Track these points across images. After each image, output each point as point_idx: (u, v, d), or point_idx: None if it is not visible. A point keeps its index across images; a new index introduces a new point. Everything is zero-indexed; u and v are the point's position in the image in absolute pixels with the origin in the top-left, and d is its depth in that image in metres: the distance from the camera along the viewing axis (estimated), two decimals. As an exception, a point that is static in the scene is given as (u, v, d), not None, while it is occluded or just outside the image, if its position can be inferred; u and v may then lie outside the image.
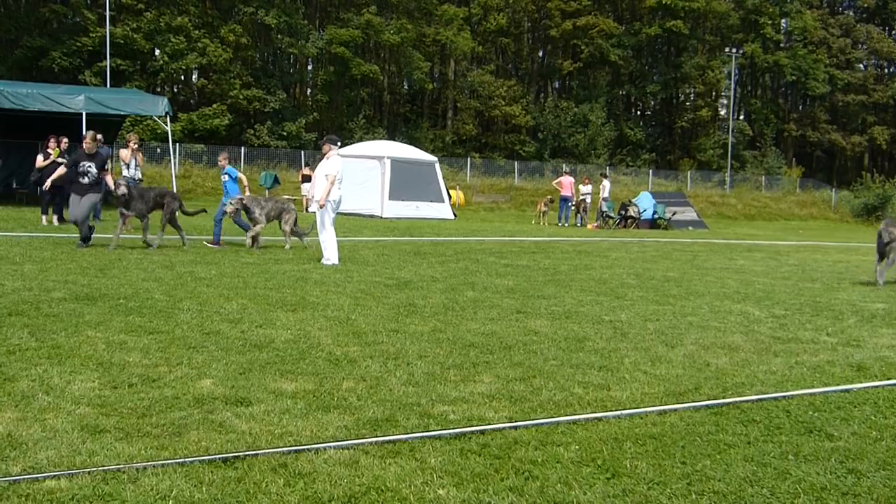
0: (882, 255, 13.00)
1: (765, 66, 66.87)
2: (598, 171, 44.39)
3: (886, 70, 74.06)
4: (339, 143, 14.50)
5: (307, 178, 35.34)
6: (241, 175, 15.96)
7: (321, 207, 13.61)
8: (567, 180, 33.74)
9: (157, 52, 47.96)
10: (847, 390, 5.91)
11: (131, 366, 5.90)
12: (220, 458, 4.07)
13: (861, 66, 71.54)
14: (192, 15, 48.83)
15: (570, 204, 33.49)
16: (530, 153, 57.61)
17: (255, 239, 14.91)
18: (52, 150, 20.59)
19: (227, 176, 15.65)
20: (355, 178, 31.14)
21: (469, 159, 50.73)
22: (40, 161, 20.54)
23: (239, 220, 15.57)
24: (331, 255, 13.45)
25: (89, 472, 3.83)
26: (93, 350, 6.34)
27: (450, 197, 33.59)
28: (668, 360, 6.78)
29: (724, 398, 5.57)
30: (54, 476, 3.78)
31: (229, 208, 14.83)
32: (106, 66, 42.67)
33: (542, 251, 17.80)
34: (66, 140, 21.48)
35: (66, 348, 6.36)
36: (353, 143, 39.18)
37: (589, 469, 4.12)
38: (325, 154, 14.02)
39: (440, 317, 8.48)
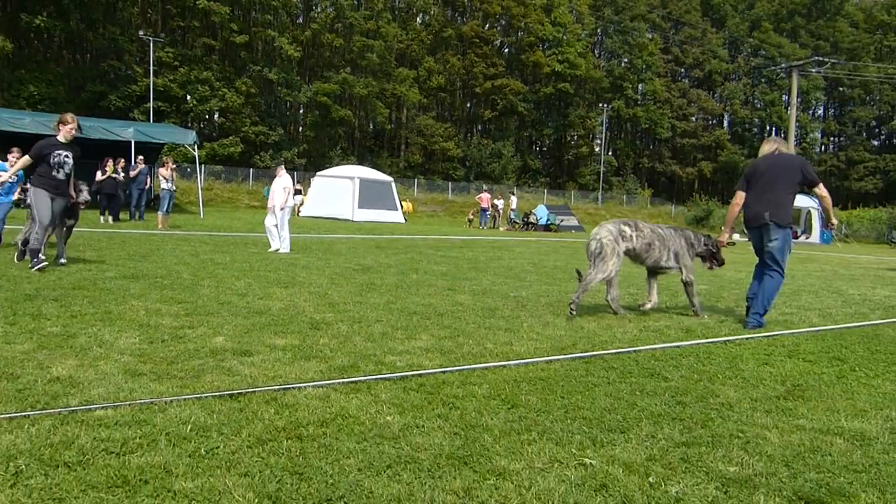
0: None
1: (627, 117, 67.89)
2: (508, 189, 44.58)
3: (710, 122, 75.56)
4: (283, 166, 14.04)
5: (298, 192, 35.05)
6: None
7: (282, 210, 13.32)
8: (486, 196, 33.91)
9: (189, 97, 47.17)
10: (678, 346, 6.00)
11: (164, 327, 5.78)
12: (227, 394, 4.01)
13: (693, 118, 72.95)
14: (214, 70, 48.17)
15: (487, 213, 33.60)
16: (460, 176, 57.72)
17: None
18: (109, 168, 20.19)
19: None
20: (333, 192, 31.01)
21: (416, 180, 50.78)
22: (99, 176, 20.11)
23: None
24: (287, 245, 13.27)
25: (129, 405, 3.75)
26: (135, 315, 6.20)
27: (402, 207, 33.52)
28: (555, 324, 6.83)
29: (592, 351, 5.62)
30: (103, 407, 3.69)
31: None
32: (150, 107, 41.94)
33: (468, 246, 17.84)
34: (122, 160, 21.09)
35: (115, 313, 6.21)
36: (332, 166, 38.91)
37: (496, 402, 4.13)
38: (278, 174, 13.67)
39: (392, 292, 8.45)
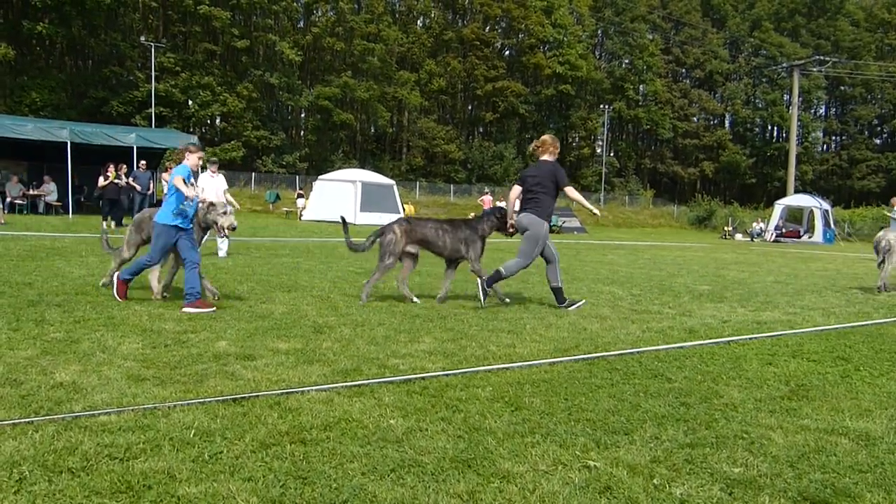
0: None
1: (628, 118, 67.82)
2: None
3: (712, 122, 75.49)
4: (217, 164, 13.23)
5: (301, 195, 35.07)
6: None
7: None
8: (487, 199, 33.88)
9: (190, 102, 47.28)
10: (681, 347, 5.99)
11: (167, 331, 5.78)
12: (230, 399, 4.00)
13: (695, 119, 72.87)
14: (216, 76, 48.25)
15: (490, 215, 33.61)
16: (462, 179, 57.69)
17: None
18: (111, 173, 20.20)
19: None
20: (336, 195, 31.03)
21: (418, 183, 50.75)
22: (101, 182, 20.14)
23: None
24: (224, 250, 12.43)
25: (132, 410, 3.75)
26: (138, 320, 6.21)
27: (404, 210, 33.51)
28: (557, 326, 6.82)
29: (595, 353, 5.62)
30: (106, 413, 3.69)
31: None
32: (151, 113, 42.04)
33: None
34: (124, 166, 21.11)
35: (119, 318, 6.21)
36: (334, 170, 38.94)
37: (499, 404, 4.13)
38: (211, 173, 12.63)
39: (395, 295, 8.44)
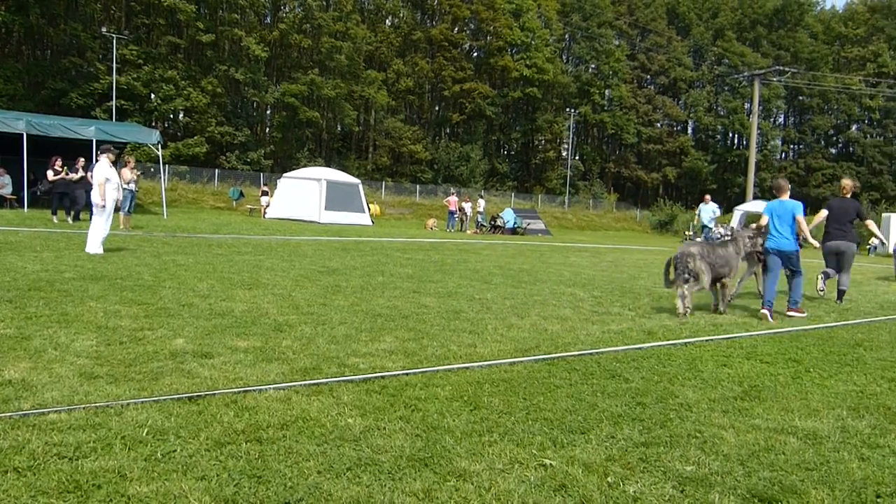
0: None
1: (593, 122, 68.42)
2: (476, 193, 44.70)
3: (675, 128, 76.51)
4: (110, 152, 12.20)
5: (265, 193, 34.73)
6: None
7: (103, 206, 11.63)
8: (453, 199, 33.92)
9: (153, 96, 46.42)
10: (640, 348, 6.07)
11: (122, 329, 5.68)
12: (186, 397, 3.95)
13: (658, 124, 73.79)
14: (179, 69, 47.47)
15: (455, 216, 33.65)
16: (428, 179, 57.63)
17: None
18: (61, 167, 19.75)
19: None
20: (301, 193, 30.81)
21: (384, 182, 50.62)
22: (51, 176, 19.68)
23: None
24: (94, 245, 11.43)
25: (84, 408, 3.68)
26: (93, 317, 6.09)
27: (369, 209, 33.41)
28: (519, 326, 6.86)
29: (555, 353, 5.66)
30: (56, 411, 3.61)
31: None
32: (112, 106, 41.22)
33: (434, 249, 17.84)
34: (82, 159, 20.65)
35: (73, 315, 6.09)
36: (300, 168, 38.65)
37: (458, 403, 4.14)
38: (101, 160, 11.89)
39: (357, 294, 8.41)
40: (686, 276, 8.11)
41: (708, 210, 21.68)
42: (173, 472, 2.96)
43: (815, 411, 4.36)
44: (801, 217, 8.56)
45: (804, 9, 75.48)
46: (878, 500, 3.07)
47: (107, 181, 11.75)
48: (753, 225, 9.32)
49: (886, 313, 9.55)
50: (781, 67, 59.14)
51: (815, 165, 71.96)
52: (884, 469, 3.41)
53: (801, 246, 9.02)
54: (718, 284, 8.61)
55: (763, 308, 8.35)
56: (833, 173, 70.86)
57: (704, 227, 21.77)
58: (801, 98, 74.39)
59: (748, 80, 58.84)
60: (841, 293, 10.56)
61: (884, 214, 24.75)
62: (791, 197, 8.78)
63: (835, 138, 77.03)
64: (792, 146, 79.07)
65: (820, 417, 4.23)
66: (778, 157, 76.19)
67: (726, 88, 73.80)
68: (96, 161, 14.93)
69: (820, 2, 77.79)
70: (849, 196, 10.57)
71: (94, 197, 11.73)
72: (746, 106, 69.41)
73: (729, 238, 9.06)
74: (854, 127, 74.88)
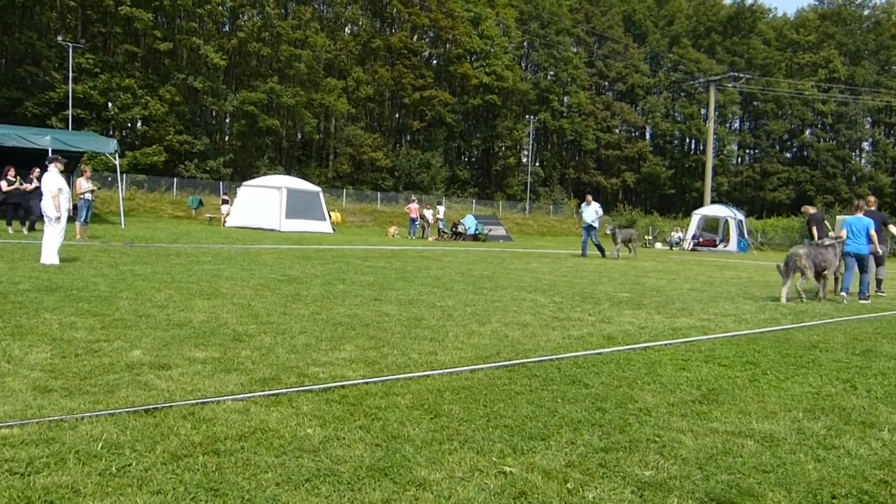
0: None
1: (553, 129, 69.09)
2: (437, 200, 44.76)
3: (633, 134, 77.60)
4: (57, 161, 11.92)
5: (225, 201, 34.33)
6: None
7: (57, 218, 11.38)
8: (414, 206, 33.92)
9: (110, 104, 45.67)
10: (600, 353, 6.12)
11: (78, 341, 5.56)
12: (142, 409, 3.88)
13: (617, 130, 74.78)
14: (137, 78, 46.79)
15: (416, 223, 33.65)
16: (389, 186, 57.55)
17: None
18: (14, 178, 19.31)
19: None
20: (261, 202, 30.54)
21: (345, 190, 50.39)
22: (4, 186, 19.21)
23: None
24: (49, 255, 11.21)
25: (37, 422, 3.59)
26: (48, 329, 5.95)
27: (330, 217, 33.25)
28: (480, 333, 6.87)
29: (516, 360, 5.68)
30: (8, 426, 3.52)
31: None
32: (69, 115, 40.42)
33: (395, 256, 17.80)
34: (37, 169, 20.21)
35: (27, 327, 5.94)
36: (259, 176, 38.36)
37: (418, 412, 4.13)
38: (52, 169, 11.57)
39: (318, 303, 8.35)
40: (795, 270, 11.06)
41: (590, 210, 22.19)
42: (128, 486, 2.90)
43: (771, 413, 4.44)
44: (872, 231, 11.56)
45: (757, 16, 77.33)
46: (834, 500, 3.13)
47: (59, 191, 11.50)
48: (832, 234, 12.61)
49: (841, 315, 9.79)
50: (736, 73, 60.44)
51: (770, 170, 73.56)
52: (839, 470, 3.49)
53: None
54: (821, 278, 11.41)
55: (841, 292, 11.56)
56: (788, 177, 72.58)
57: (589, 226, 22.26)
58: (755, 103, 76.06)
59: (704, 86, 59.97)
60: (879, 282, 13.29)
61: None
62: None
63: (789, 142, 78.87)
64: (748, 151, 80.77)
65: (777, 420, 4.31)
66: (734, 161, 77.72)
67: (683, 94, 75.18)
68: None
69: (772, 9, 79.72)
70: (873, 209, 12.75)
71: (48, 208, 11.44)
72: (703, 111, 70.74)
73: (829, 243, 11.75)
74: (808, 131, 76.80)
